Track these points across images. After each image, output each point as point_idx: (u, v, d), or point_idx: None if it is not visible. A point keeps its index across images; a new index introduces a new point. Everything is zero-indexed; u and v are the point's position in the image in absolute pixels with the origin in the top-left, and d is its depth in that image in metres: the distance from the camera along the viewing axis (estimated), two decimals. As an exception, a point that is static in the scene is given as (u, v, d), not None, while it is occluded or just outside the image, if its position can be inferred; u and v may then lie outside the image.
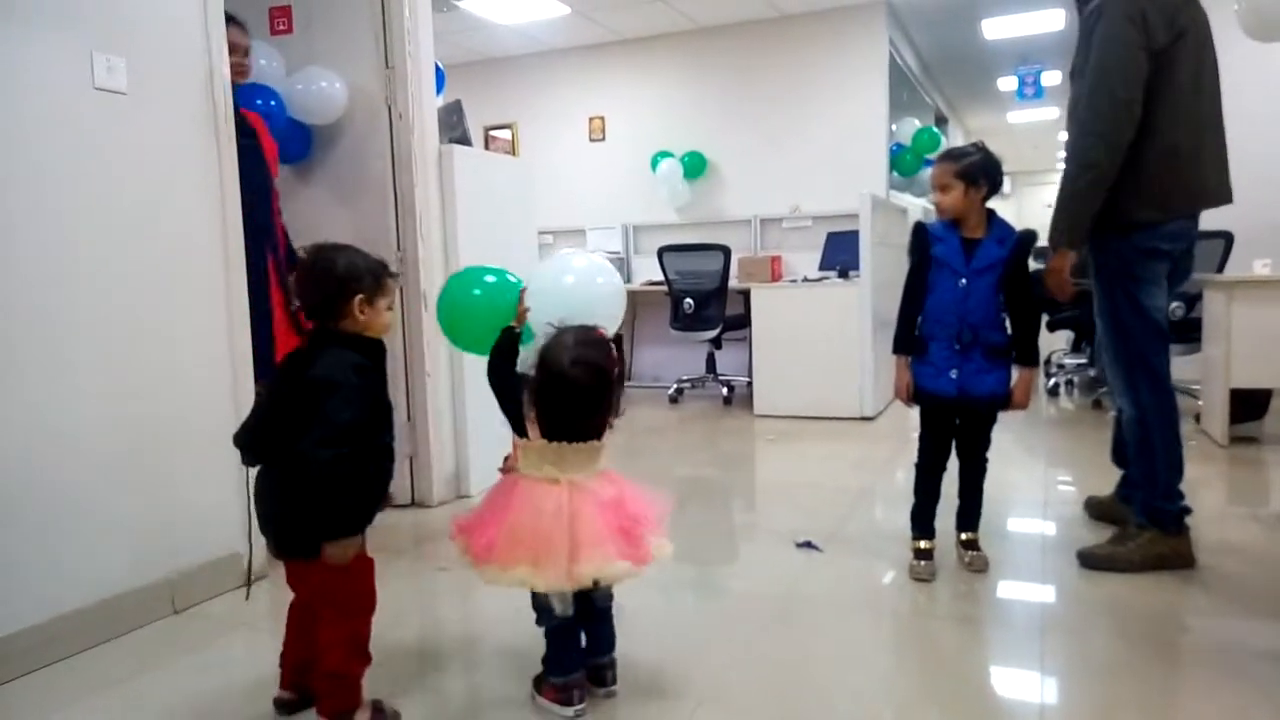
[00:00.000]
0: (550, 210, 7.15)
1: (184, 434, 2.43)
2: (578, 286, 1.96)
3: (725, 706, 1.83)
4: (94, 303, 2.21)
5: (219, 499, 2.53)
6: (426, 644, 2.25)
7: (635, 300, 6.97)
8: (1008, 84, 8.91)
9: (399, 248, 3.34)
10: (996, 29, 7.15)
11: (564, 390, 1.72)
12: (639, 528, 1.73)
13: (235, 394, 2.57)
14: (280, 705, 1.82)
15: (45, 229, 2.11)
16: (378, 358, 1.74)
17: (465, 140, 3.60)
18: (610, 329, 1.88)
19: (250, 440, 1.73)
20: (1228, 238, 4.46)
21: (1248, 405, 3.99)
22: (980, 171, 2.37)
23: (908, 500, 2.65)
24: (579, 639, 1.86)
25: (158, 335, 2.37)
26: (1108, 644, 2.08)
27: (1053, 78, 8.68)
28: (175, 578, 2.39)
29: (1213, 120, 2.57)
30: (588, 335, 1.76)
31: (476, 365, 3.49)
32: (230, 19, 2.73)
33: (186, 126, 2.46)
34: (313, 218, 3.43)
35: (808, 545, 2.76)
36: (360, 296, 1.68)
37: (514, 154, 7.23)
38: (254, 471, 1.76)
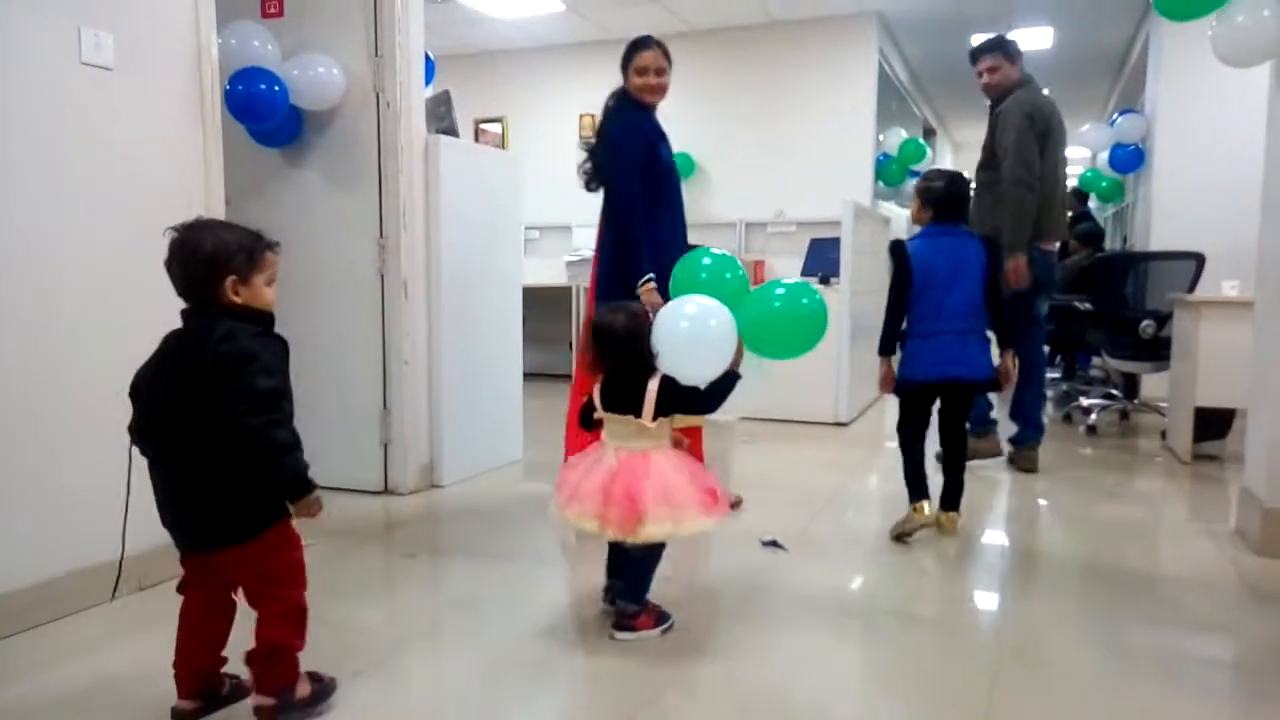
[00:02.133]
0: (538, 206, 7.18)
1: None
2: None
3: (687, 694, 1.87)
4: (70, 278, 2.22)
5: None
6: (391, 628, 2.27)
7: (618, 298, 7.01)
8: (996, 100, 8.99)
9: (382, 235, 3.36)
10: (986, 44, 7.23)
11: (596, 343, 2.09)
12: (635, 503, 1.96)
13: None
14: (182, 715, 1.69)
15: (26, 204, 2.12)
16: (269, 328, 1.70)
17: (452, 131, 3.62)
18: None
19: (145, 431, 1.63)
20: (1199, 259, 4.54)
21: (1211, 424, 4.07)
22: (941, 197, 2.97)
23: (877, 505, 2.71)
24: (619, 562, 2.20)
25: (133, 314, 2.38)
26: (1060, 649, 2.12)
27: (1040, 95, 8.76)
28: (141, 554, 2.38)
29: (1063, 185, 4.00)
30: (628, 306, 2.15)
31: (454, 355, 3.54)
32: (654, 43, 3.25)
33: (173, 105, 2.47)
34: (300, 202, 3.44)
35: (773, 544, 2.80)
36: (233, 278, 1.60)
37: (504, 148, 7.24)
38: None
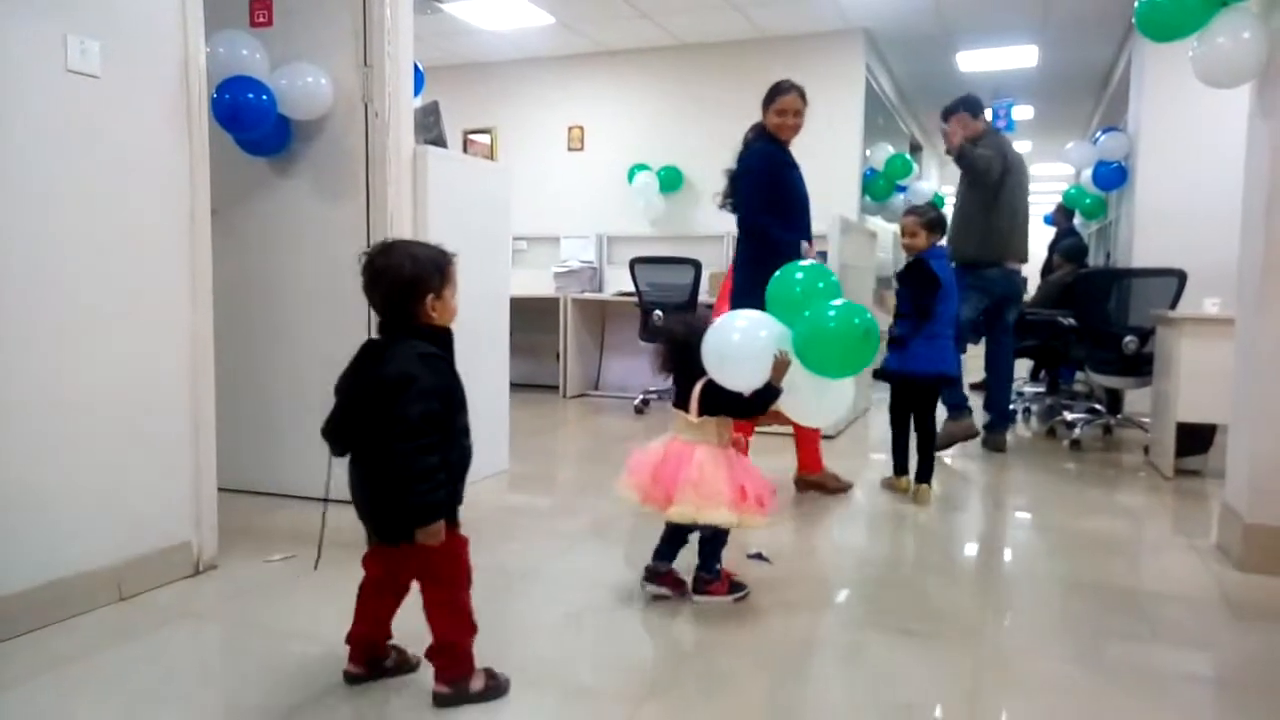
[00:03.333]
0: (526, 217, 7.19)
1: (139, 420, 2.42)
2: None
3: (666, 706, 1.86)
4: (54, 285, 2.20)
5: (171, 486, 2.52)
6: (374, 640, 2.25)
7: (605, 310, 7.02)
8: (981, 116, 9.08)
9: (368, 245, 3.34)
10: (971, 62, 7.31)
11: (667, 347, 2.41)
12: (666, 486, 2.27)
13: (194, 381, 2.57)
14: (350, 678, 1.91)
15: (10, 210, 2.10)
16: (446, 344, 1.84)
17: (441, 142, 3.62)
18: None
19: (334, 432, 1.84)
20: (1181, 276, 4.59)
21: (1194, 439, 4.10)
22: (937, 223, 3.70)
23: (863, 518, 2.73)
24: (666, 548, 2.47)
25: (117, 320, 2.36)
26: (1042, 664, 2.13)
27: (1024, 112, 8.89)
28: (122, 564, 2.37)
29: (1025, 213, 4.72)
30: (688, 318, 2.52)
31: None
32: (794, 87, 3.79)
33: (160, 113, 2.46)
34: (288, 212, 3.43)
35: (758, 557, 2.80)
36: (430, 295, 1.78)
37: (492, 159, 7.26)
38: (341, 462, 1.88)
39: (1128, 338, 4.66)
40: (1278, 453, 2.65)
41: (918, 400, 3.58)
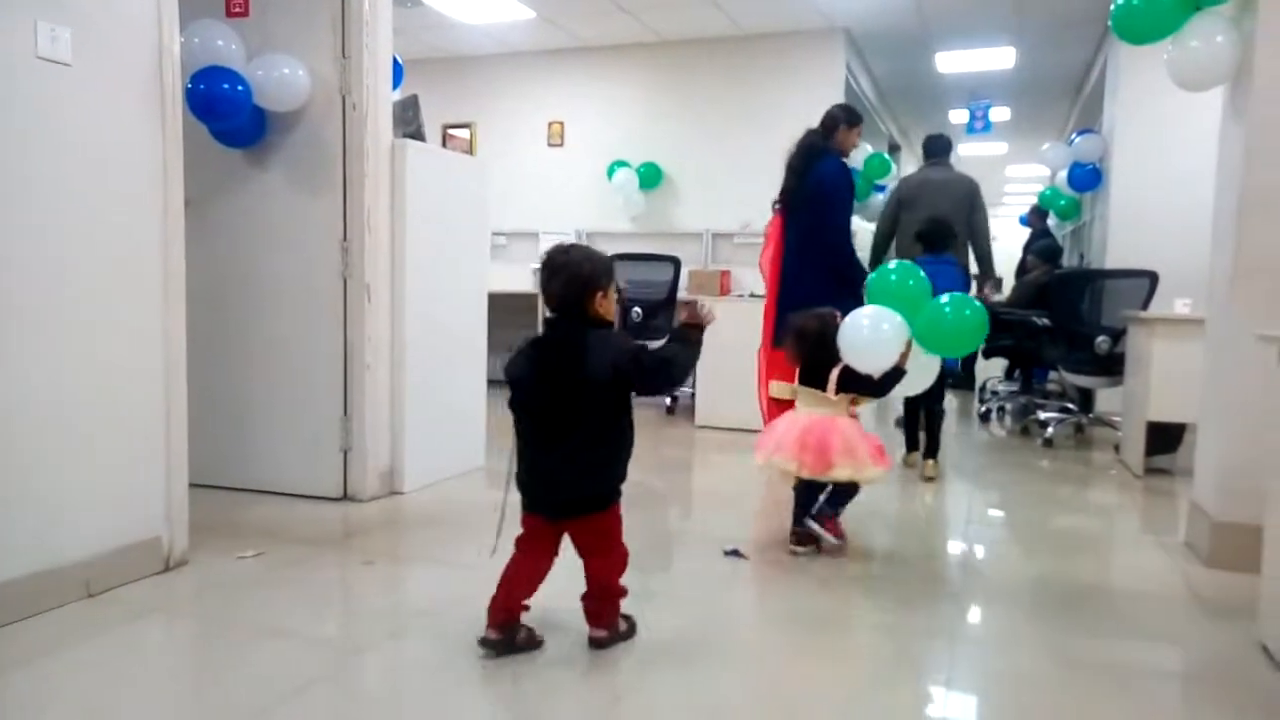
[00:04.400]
0: (505, 212, 7.16)
1: (109, 415, 2.39)
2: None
3: (644, 701, 1.86)
4: (23, 278, 2.16)
5: (142, 482, 2.48)
6: (348, 637, 2.24)
7: (585, 306, 7.00)
8: (959, 117, 9.16)
9: (345, 238, 3.32)
10: (949, 63, 7.36)
11: (797, 340, 2.89)
12: (826, 452, 2.68)
13: (166, 374, 2.53)
14: (488, 644, 2.04)
15: (-25, 197, 2.06)
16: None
17: (419, 136, 3.60)
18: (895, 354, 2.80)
19: (543, 424, 1.98)
20: (1153, 277, 4.65)
21: (1164, 438, 4.16)
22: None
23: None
24: (806, 504, 2.88)
25: (88, 313, 2.33)
26: (1013, 660, 2.16)
27: (1001, 113, 8.96)
28: (91, 560, 2.34)
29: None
30: (822, 314, 2.89)
31: (417, 361, 3.51)
32: (857, 118, 4.02)
33: (133, 102, 2.42)
34: (263, 203, 3.40)
35: (735, 554, 2.81)
36: (600, 293, 2.00)
37: (472, 153, 7.22)
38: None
39: (1100, 338, 4.72)
40: (1245, 452, 2.69)
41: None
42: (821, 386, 2.80)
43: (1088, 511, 3.72)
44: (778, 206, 3.97)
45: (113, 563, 2.40)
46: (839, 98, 6.44)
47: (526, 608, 2.08)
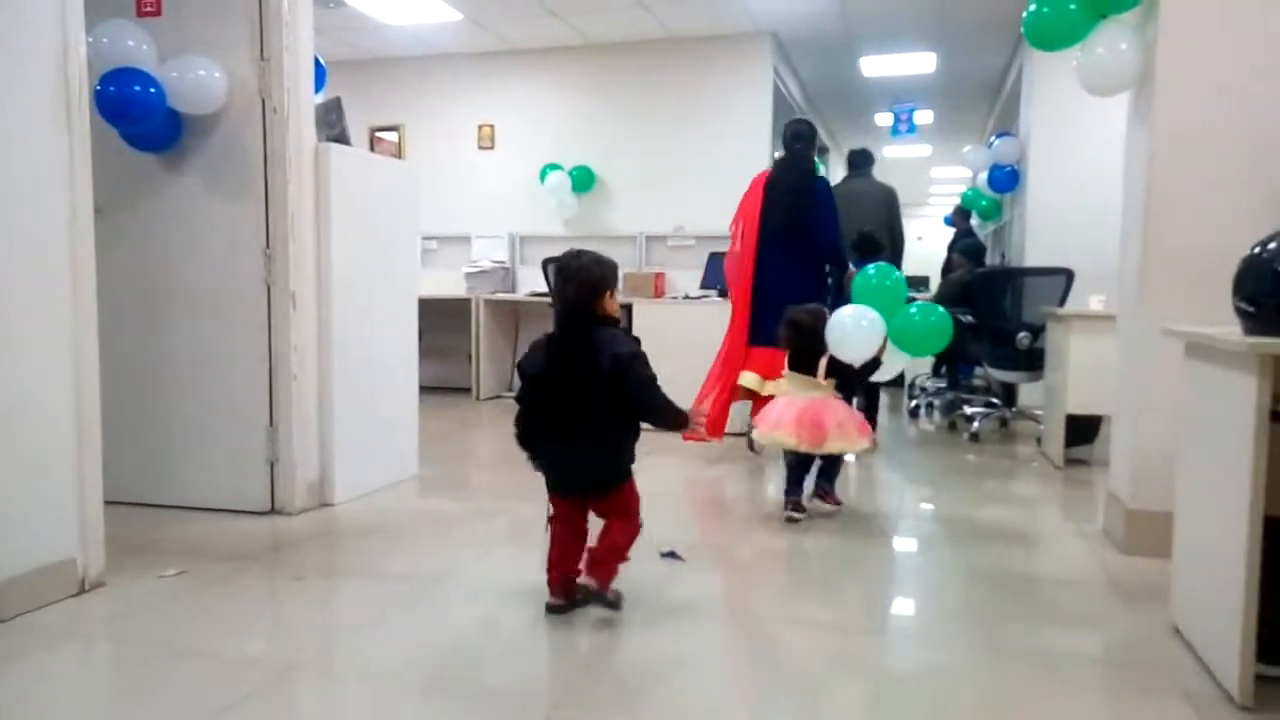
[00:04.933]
0: (436, 216, 7.06)
1: (14, 432, 2.28)
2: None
3: (580, 709, 1.85)
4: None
5: (52, 501, 2.37)
6: (276, 656, 2.18)
7: (519, 310, 6.95)
8: (884, 119, 9.38)
9: (268, 245, 3.23)
10: (874, 67, 7.52)
11: (791, 331, 3.35)
12: (821, 428, 3.13)
13: (77, 389, 2.43)
14: (553, 608, 2.31)
15: None
16: (618, 327, 2.34)
17: (344, 139, 3.52)
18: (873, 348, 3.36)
19: (563, 417, 2.23)
20: (1069, 275, 4.83)
21: (1082, 430, 4.32)
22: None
23: (774, 514, 2.77)
24: (798, 477, 3.33)
25: (-9, 325, 2.22)
26: (944, 650, 2.21)
27: (924, 116, 9.20)
28: (-1, 585, 2.22)
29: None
30: (813, 309, 3.40)
31: (346, 369, 3.44)
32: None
33: (35, 105, 2.31)
34: (180, 210, 3.28)
35: (671, 555, 2.82)
36: (608, 294, 2.26)
37: (400, 156, 7.11)
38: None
39: (1021, 334, 4.88)
40: (1156, 442, 2.81)
41: (856, 375, 3.53)
42: (812, 373, 3.28)
43: (1012, 503, 3.84)
44: (749, 222, 4.42)
45: (22, 587, 2.28)
46: (767, 101, 6.55)
47: (579, 571, 2.32)
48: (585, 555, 2.32)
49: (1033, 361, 4.86)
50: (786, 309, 3.47)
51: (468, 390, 6.65)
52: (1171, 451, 2.31)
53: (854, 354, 3.29)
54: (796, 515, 3.27)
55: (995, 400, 5.66)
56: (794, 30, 6.52)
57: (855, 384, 3.81)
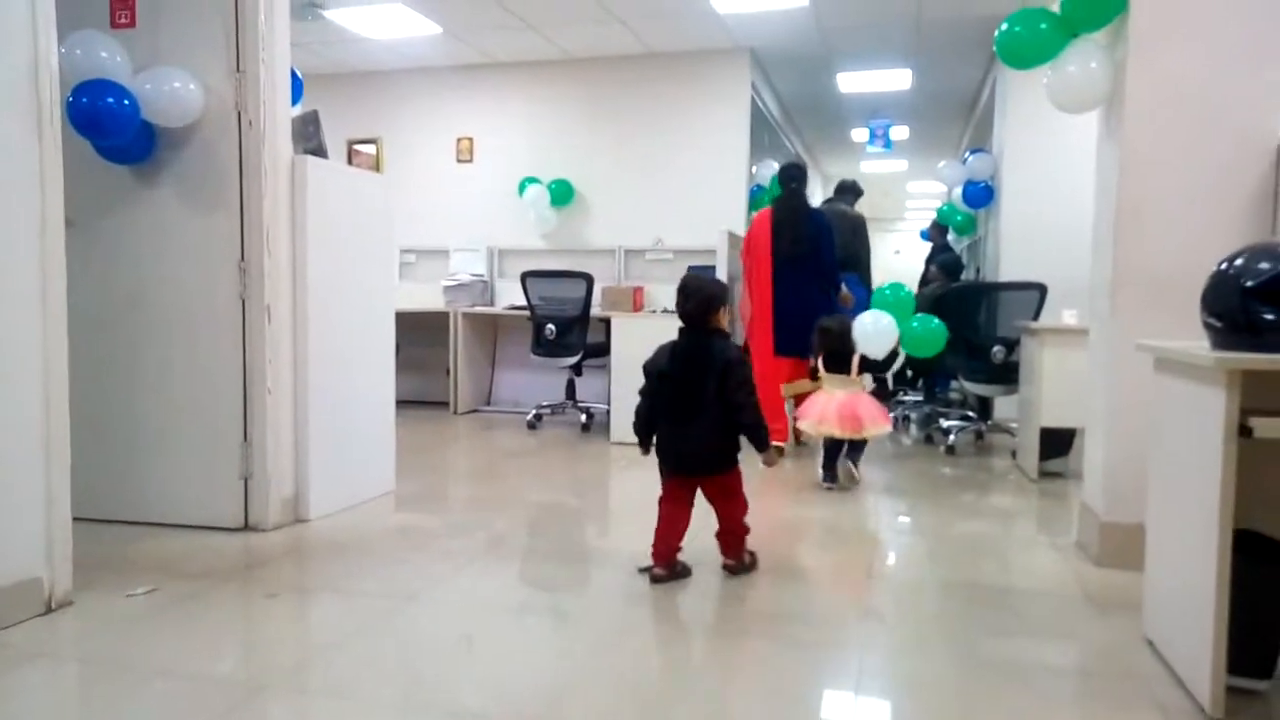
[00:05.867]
0: (414, 229, 7.06)
1: (-18, 447, 2.24)
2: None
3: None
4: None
5: (18, 517, 2.33)
6: (250, 675, 2.15)
7: (497, 324, 6.94)
8: (861, 135, 9.47)
9: (243, 258, 3.21)
10: (850, 83, 7.60)
11: (824, 336, 4.21)
12: (858, 419, 3.98)
13: (46, 403, 2.39)
14: (657, 578, 2.71)
15: None
16: (728, 338, 2.79)
17: (321, 152, 3.51)
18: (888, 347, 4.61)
19: (677, 405, 2.70)
20: (1042, 289, 4.88)
21: (1056, 443, 4.36)
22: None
23: (753, 527, 2.78)
24: (833, 458, 4.18)
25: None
26: (917, 663, 2.22)
27: (900, 132, 9.30)
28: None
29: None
30: (840, 317, 4.38)
31: (322, 383, 3.42)
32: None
33: (6, 116, 2.29)
34: (154, 223, 3.25)
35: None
36: (722, 308, 2.73)
37: (378, 169, 7.08)
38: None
39: (996, 348, 4.93)
40: (1128, 455, 2.85)
41: (881, 365, 4.87)
42: (846, 372, 4.10)
43: (988, 516, 3.86)
44: (762, 253, 5.04)
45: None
46: (745, 116, 6.60)
47: (680, 548, 2.78)
48: (717, 540, 2.83)
49: (1007, 375, 4.91)
50: (818, 320, 4.27)
51: (445, 404, 6.61)
52: (1143, 465, 2.34)
53: (878, 349, 4.42)
54: (832, 486, 4.13)
55: (971, 413, 5.70)
56: (771, 46, 6.58)
57: (885, 378, 4.91)
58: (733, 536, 2.80)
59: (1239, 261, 1.86)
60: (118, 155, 3.17)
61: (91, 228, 3.22)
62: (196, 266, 3.24)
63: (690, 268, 6.14)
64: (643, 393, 2.78)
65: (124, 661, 2.14)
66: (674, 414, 2.71)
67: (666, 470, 2.77)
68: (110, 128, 2.96)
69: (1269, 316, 1.77)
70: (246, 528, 3.26)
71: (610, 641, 2.30)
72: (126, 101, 2.95)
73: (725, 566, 2.80)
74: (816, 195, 11.06)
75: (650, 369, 2.75)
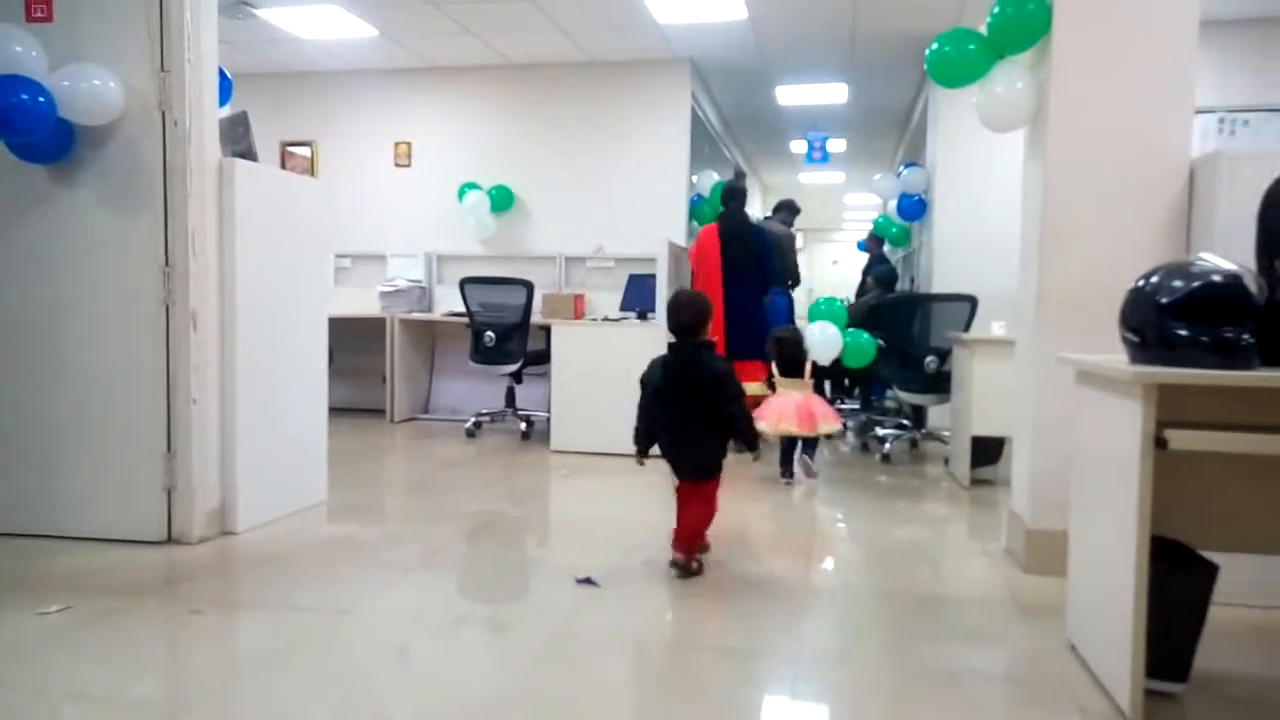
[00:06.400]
0: (350, 233, 6.93)
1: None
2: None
3: (489, 748, 1.81)
4: None
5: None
6: (172, 697, 2.06)
7: (435, 331, 6.84)
8: (799, 147, 9.61)
9: (167, 262, 3.10)
10: (789, 96, 7.72)
11: (779, 345, 4.57)
12: (813, 417, 4.36)
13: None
14: (679, 565, 2.91)
15: None
16: (715, 350, 3.03)
17: (250, 154, 3.41)
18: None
19: (678, 416, 2.91)
20: (973, 301, 5.01)
21: (987, 450, 4.48)
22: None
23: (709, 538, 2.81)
24: (789, 455, 4.58)
25: None
26: (852, 670, 2.24)
27: (838, 145, 9.47)
28: None
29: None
30: (792, 328, 4.95)
31: (250, 391, 3.32)
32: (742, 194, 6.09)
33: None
34: (71, 224, 3.13)
35: (587, 581, 2.79)
36: (708, 321, 2.98)
37: (313, 172, 6.94)
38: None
39: (929, 358, 5.04)
40: (1052, 464, 2.93)
41: (831, 369, 5.48)
42: (799, 376, 4.55)
43: (921, 523, 3.94)
44: (712, 263, 5.59)
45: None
46: (685, 126, 6.65)
47: (707, 546, 3.09)
48: (674, 536, 2.94)
49: (940, 384, 5.02)
50: (771, 331, 4.83)
51: (382, 412, 6.49)
52: (1068, 474, 2.41)
53: (827, 354, 4.95)
54: (790, 480, 4.50)
55: (906, 422, 5.82)
56: (711, 58, 6.64)
57: (832, 380, 5.73)
58: (694, 536, 2.96)
59: (1155, 279, 1.93)
60: (32, 154, 3.04)
61: (5, 229, 3.08)
62: (117, 270, 3.12)
63: (631, 276, 6.17)
64: (640, 406, 2.97)
65: (35, 685, 2.04)
66: (670, 425, 2.93)
67: (675, 473, 3.03)
68: (23, 125, 2.84)
69: (1183, 332, 1.84)
70: (169, 541, 3.15)
71: (548, 654, 2.27)
72: (41, 98, 2.83)
73: (673, 563, 2.90)
74: (756, 204, 11.19)
75: (646, 382, 2.96)
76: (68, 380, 3.15)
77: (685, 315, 2.93)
